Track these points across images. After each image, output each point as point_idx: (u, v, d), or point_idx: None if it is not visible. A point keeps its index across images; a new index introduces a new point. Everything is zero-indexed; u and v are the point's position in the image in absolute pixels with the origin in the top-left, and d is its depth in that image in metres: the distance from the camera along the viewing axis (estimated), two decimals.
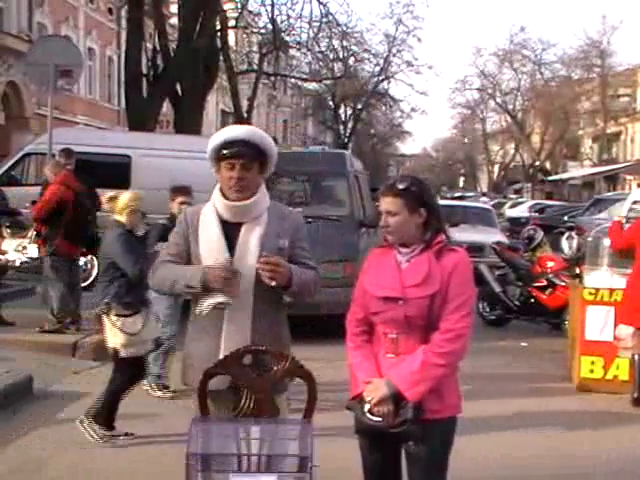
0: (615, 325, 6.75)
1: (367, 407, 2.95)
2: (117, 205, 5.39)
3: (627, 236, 6.70)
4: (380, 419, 2.92)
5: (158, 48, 20.08)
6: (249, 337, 3.11)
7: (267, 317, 3.17)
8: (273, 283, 3.04)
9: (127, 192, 5.61)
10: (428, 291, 2.91)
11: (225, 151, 3.17)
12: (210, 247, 3.16)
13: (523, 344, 9.28)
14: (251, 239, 3.15)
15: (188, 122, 19.17)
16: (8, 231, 10.98)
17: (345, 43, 29.92)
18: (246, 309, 3.12)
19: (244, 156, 3.14)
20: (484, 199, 36.93)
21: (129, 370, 5.37)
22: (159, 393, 6.45)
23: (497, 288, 10.39)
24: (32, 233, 10.19)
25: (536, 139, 53.32)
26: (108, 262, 5.35)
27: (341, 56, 31.84)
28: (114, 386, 5.39)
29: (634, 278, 6.45)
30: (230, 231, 3.17)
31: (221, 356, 3.05)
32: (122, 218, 5.37)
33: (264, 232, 3.16)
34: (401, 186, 2.99)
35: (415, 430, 2.90)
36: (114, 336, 5.28)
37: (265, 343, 3.03)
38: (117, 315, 5.25)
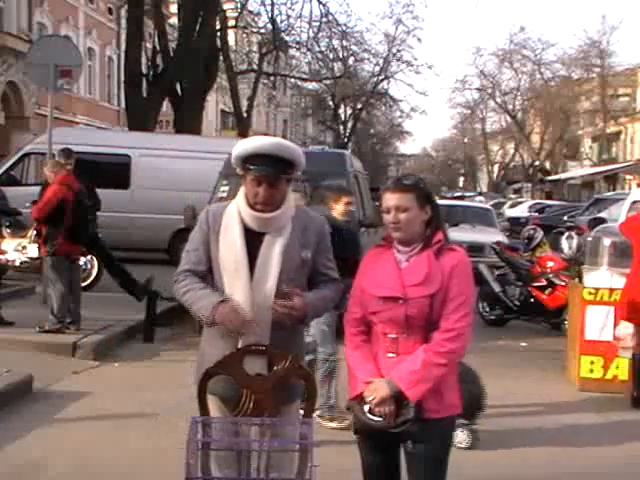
0: (615, 325, 6.75)
1: (367, 407, 2.95)
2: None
3: (631, 228, 6.53)
4: (381, 419, 2.92)
5: (158, 48, 20.11)
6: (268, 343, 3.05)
7: (285, 324, 3.09)
8: (287, 322, 3.01)
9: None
10: (429, 290, 2.91)
11: (252, 167, 3.04)
12: (231, 256, 3.07)
13: (523, 344, 9.28)
14: (273, 251, 3.06)
15: (188, 122, 19.20)
16: (8, 231, 10.98)
17: (345, 43, 29.97)
18: (266, 318, 3.05)
19: (271, 175, 3.03)
20: (480, 199, 36.89)
21: None
22: (332, 424, 5.50)
23: (497, 288, 10.39)
24: (32, 233, 10.19)
25: (536, 139, 53.31)
26: None
27: (341, 56, 31.89)
28: None
29: (632, 276, 6.43)
30: (252, 239, 3.08)
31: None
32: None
33: (287, 243, 3.07)
34: (409, 182, 3.01)
35: (416, 430, 2.90)
36: None
37: (282, 349, 3.00)
38: None
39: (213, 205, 3.29)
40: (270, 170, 3.02)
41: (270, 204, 3.06)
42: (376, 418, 2.93)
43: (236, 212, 3.12)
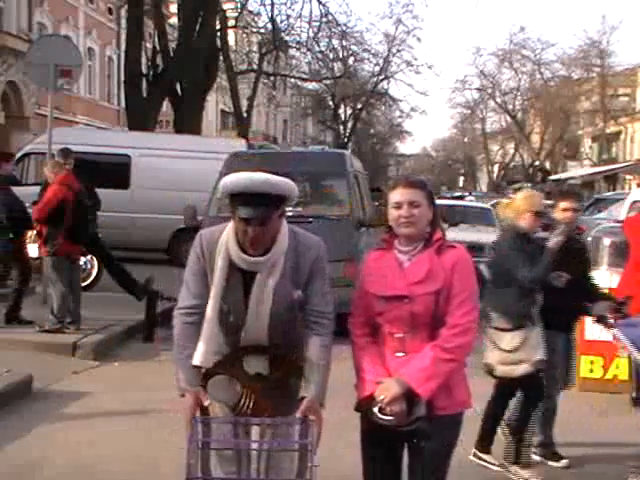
0: None
1: (377, 407, 2.91)
2: (512, 208, 5.01)
3: (633, 228, 6.47)
4: (392, 418, 2.90)
5: (158, 48, 20.14)
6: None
7: (285, 338, 3.04)
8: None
9: (521, 193, 5.20)
10: (433, 287, 2.94)
11: (240, 207, 2.86)
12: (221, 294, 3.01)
13: None
14: (265, 291, 2.96)
15: (188, 122, 19.22)
16: None
17: (345, 43, 30.06)
18: (261, 350, 3.02)
19: (259, 217, 2.86)
20: (470, 198, 36.81)
21: (502, 390, 4.88)
22: (552, 463, 5.11)
23: None
24: (32, 233, 10.18)
25: (536, 139, 53.33)
26: (499, 269, 4.87)
27: (341, 56, 31.94)
28: (493, 409, 4.91)
29: (628, 275, 6.40)
30: (244, 275, 2.99)
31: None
32: (518, 222, 4.94)
33: (278, 282, 2.97)
34: (419, 180, 3.12)
35: (426, 427, 2.91)
36: (489, 350, 4.77)
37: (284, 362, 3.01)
38: (494, 328, 4.74)
39: (206, 230, 3.14)
40: (258, 211, 2.85)
41: (260, 243, 2.91)
42: (387, 417, 2.91)
43: (225, 248, 2.98)
